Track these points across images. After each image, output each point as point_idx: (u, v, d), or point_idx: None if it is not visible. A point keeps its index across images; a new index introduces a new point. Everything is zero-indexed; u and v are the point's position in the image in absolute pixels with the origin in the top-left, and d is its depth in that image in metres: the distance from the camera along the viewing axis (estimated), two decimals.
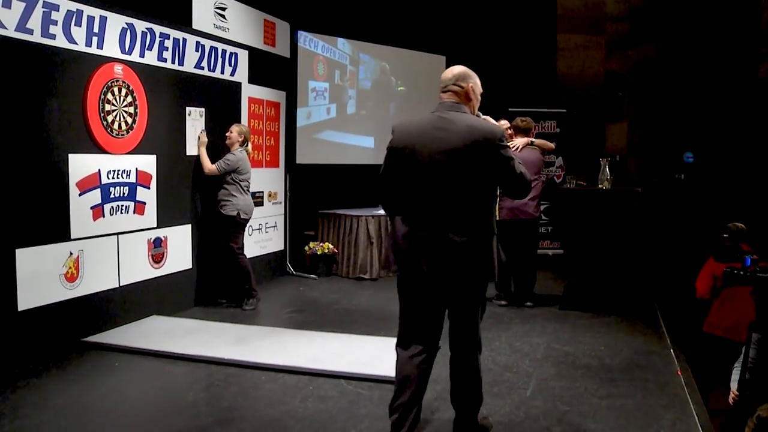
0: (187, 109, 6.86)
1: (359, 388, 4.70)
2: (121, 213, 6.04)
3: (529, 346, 5.81)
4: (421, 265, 3.46)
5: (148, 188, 6.36)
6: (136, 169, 6.19)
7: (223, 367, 5.12)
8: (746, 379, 4.37)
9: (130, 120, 6.06)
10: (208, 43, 7.09)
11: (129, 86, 6.04)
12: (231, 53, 7.51)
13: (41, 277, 5.20)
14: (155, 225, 6.48)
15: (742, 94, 10.68)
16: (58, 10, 5.19)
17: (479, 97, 3.70)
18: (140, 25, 6.12)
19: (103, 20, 5.68)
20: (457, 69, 3.68)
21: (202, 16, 7.05)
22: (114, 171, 5.93)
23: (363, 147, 10.06)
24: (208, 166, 6.82)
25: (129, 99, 6.04)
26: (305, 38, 9.07)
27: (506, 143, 3.49)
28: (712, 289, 6.12)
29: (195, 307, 7.05)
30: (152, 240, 6.45)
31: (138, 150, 6.19)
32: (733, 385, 4.58)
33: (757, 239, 8.00)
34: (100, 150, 5.76)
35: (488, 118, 3.77)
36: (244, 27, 7.78)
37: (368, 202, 9.55)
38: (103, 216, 5.83)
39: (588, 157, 10.04)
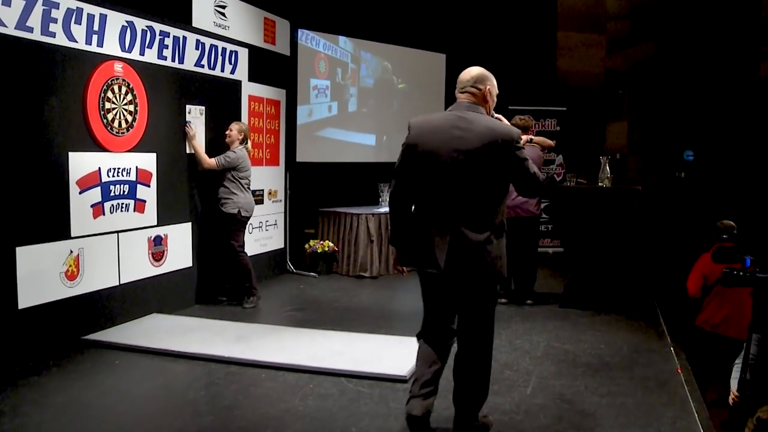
0: (188, 107, 6.85)
1: (359, 386, 4.70)
2: (122, 211, 6.04)
3: (530, 344, 5.81)
4: (439, 262, 3.54)
5: (149, 186, 6.36)
6: (137, 167, 6.19)
7: (223, 365, 5.12)
8: (746, 379, 4.37)
9: (130, 118, 6.06)
10: (208, 41, 7.09)
11: (129, 84, 6.03)
12: (231, 51, 7.50)
13: (41, 275, 5.20)
14: (155, 223, 6.48)
15: (743, 93, 10.68)
16: (58, 8, 5.18)
17: (495, 99, 3.77)
18: (140, 23, 6.11)
19: (103, 18, 5.67)
20: (475, 71, 3.74)
21: (202, 14, 7.04)
22: (114, 169, 5.92)
23: (364, 145, 10.06)
24: (207, 160, 6.81)
25: (129, 97, 6.04)
26: (307, 36, 9.07)
27: (521, 144, 3.60)
28: (702, 287, 6.20)
29: (195, 305, 7.05)
30: (152, 238, 6.45)
31: (138, 148, 6.19)
32: (733, 384, 4.57)
33: (758, 237, 8.01)
34: (101, 148, 5.76)
35: (501, 117, 3.84)
36: (244, 25, 7.78)
37: (368, 200, 9.57)
38: (104, 214, 5.83)
39: (588, 156, 10.04)
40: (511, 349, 5.62)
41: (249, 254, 7.24)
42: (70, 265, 5.48)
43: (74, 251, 5.52)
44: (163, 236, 6.58)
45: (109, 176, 5.86)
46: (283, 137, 8.81)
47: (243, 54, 7.75)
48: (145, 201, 6.31)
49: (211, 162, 6.79)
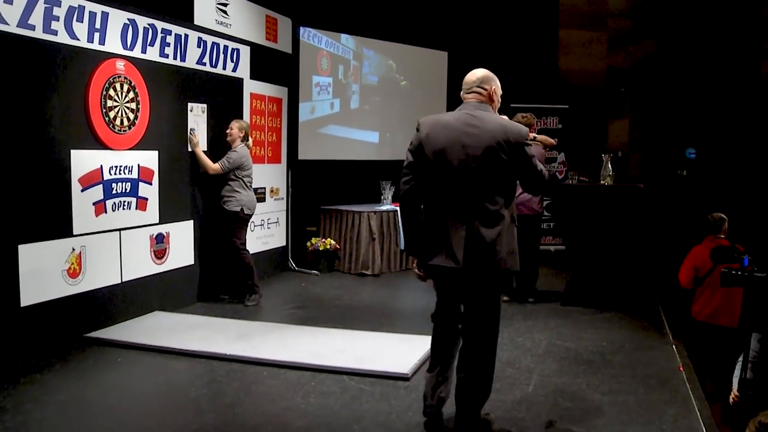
0: (189, 105, 6.85)
1: (361, 383, 4.70)
2: (123, 209, 6.04)
3: (531, 341, 5.81)
4: (457, 256, 3.64)
5: (150, 184, 6.36)
6: (138, 165, 6.19)
7: (225, 362, 5.12)
8: (747, 378, 4.38)
9: (132, 116, 6.06)
10: (210, 39, 7.09)
11: (131, 82, 6.03)
12: (233, 49, 7.50)
13: (44, 272, 5.21)
14: (157, 221, 6.48)
15: (745, 90, 10.66)
16: (60, 6, 5.19)
17: (499, 99, 3.92)
18: (142, 21, 6.12)
19: (105, 16, 5.67)
20: (480, 72, 3.87)
21: (204, 11, 7.04)
22: (116, 167, 5.93)
23: (366, 142, 10.05)
24: (211, 165, 6.82)
25: (131, 95, 6.04)
26: (309, 33, 9.06)
27: (530, 142, 3.73)
28: (693, 279, 6.38)
29: (197, 303, 7.05)
30: (154, 236, 6.46)
31: (140, 146, 6.19)
32: (735, 382, 4.58)
33: (759, 235, 8.00)
34: (102, 146, 5.76)
35: (504, 117, 3.92)
36: (245, 23, 7.78)
37: (370, 197, 9.56)
38: (105, 212, 5.83)
39: (590, 153, 10.04)
40: (513, 347, 5.62)
41: (251, 252, 7.24)
42: (72, 263, 5.49)
43: (76, 249, 5.53)
44: (165, 234, 6.59)
45: (111, 174, 5.87)
46: (285, 135, 8.81)
47: (245, 52, 7.75)
48: (147, 199, 6.31)
49: (215, 167, 6.80)
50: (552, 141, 7.35)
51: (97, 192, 5.73)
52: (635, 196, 7.32)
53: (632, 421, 4.13)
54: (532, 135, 7.01)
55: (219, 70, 7.29)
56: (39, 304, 5.16)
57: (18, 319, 4.98)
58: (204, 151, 6.92)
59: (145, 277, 6.35)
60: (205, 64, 7.04)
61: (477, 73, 3.86)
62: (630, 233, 7.26)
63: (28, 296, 5.06)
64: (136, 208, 6.20)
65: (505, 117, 3.94)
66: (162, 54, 6.42)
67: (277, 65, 8.50)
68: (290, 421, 4.08)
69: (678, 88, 11.23)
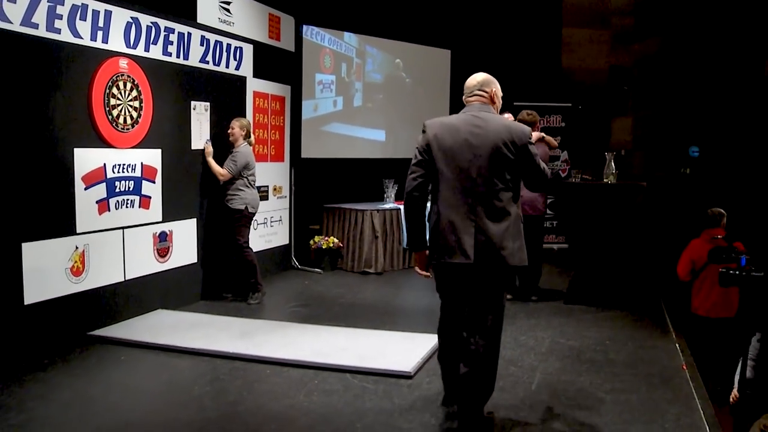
0: (192, 103, 6.86)
1: (364, 382, 4.71)
2: (127, 207, 6.05)
3: (534, 340, 5.81)
4: (468, 252, 3.75)
5: (154, 182, 6.37)
6: (142, 163, 6.20)
7: (228, 360, 5.13)
8: (747, 378, 4.37)
9: (135, 114, 6.07)
10: (212, 37, 7.09)
11: (134, 80, 6.04)
12: (236, 47, 7.50)
13: (47, 271, 5.22)
14: (160, 219, 6.49)
15: (748, 88, 10.64)
16: (63, 4, 5.19)
17: (500, 101, 4.10)
18: (145, 19, 6.12)
19: (108, 14, 5.68)
20: (480, 76, 4.05)
21: (207, 10, 7.05)
22: (119, 165, 5.94)
23: (369, 140, 10.05)
24: (220, 171, 6.84)
25: (134, 93, 6.05)
26: (312, 31, 9.06)
27: (533, 141, 3.90)
28: (691, 271, 6.57)
29: (200, 301, 7.06)
30: (157, 234, 6.47)
31: (143, 144, 6.20)
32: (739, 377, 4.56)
33: (762, 233, 7.99)
34: (106, 144, 5.77)
35: (510, 116, 4.07)
36: (248, 21, 7.78)
37: (373, 196, 9.56)
38: (109, 210, 5.84)
39: (593, 152, 10.02)
40: (516, 345, 5.62)
41: (254, 250, 7.25)
42: (76, 261, 5.50)
43: (80, 247, 5.54)
44: (168, 232, 6.60)
45: (114, 172, 5.88)
46: (288, 133, 8.81)
47: (248, 50, 7.75)
48: (150, 197, 6.32)
49: (224, 172, 6.83)
50: (554, 143, 7.38)
51: (101, 190, 5.74)
52: (638, 194, 7.31)
53: (635, 419, 4.13)
54: (540, 135, 7.03)
55: (222, 68, 7.30)
56: (42, 302, 5.17)
57: (22, 317, 4.99)
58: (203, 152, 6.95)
59: (148, 275, 6.36)
60: (208, 63, 7.05)
61: (477, 77, 4.03)
62: (633, 231, 7.26)
63: (32, 294, 5.07)
64: (140, 207, 6.21)
65: (510, 116, 4.02)
66: (165, 52, 6.42)
67: (280, 63, 8.50)
68: (293, 419, 4.09)
69: (681, 86, 11.21)
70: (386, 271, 8.92)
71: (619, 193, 7.13)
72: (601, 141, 11.21)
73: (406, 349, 5.32)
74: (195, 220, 7.00)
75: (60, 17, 5.19)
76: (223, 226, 7.09)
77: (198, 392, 4.52)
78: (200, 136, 6.95)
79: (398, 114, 10.30)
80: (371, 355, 5.18)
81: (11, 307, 4.92)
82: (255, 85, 7.95)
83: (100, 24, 5.61)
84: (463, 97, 4.05)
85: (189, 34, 6.72)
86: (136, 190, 6.15)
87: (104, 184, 5.77)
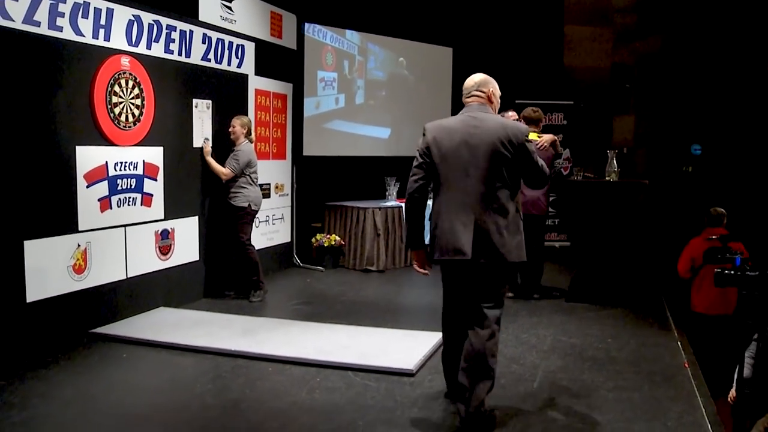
0: (194, 101, 6.86)
1: (366, 379, 4.71)
2: (129, 205, 6.05)
3: (536, 338, 5.81)
4: (465, 249, 3.84)
5: (155, 180, 6.37)
6: (143, 161, 6.20)
7: (230, 358, 5.13)
8: (744, 377, 4.37)
9: (137, 112, 6.07)
10: (214, 35, 7.09)
11: (136, 78, 6.04)
12: (238, 45, 7.50)
13: (49, 268, 5.22)
14: (162, 217, 6.49)
15: (751, 86, 10.62)
16: (65, 2, 5.19)
17: (499, 100, 4.19)
18: (147, 17, 6.12)
19: (110, 12, 5.68)
20: (478, 77, 4.15)
21: (209, 8, 7.04)
22: (121, 163, 5.94)
23: (371, 137, 10.05)
24: (222, 170, 6.85)
25: (136, 91, 6.05)
26: (314, 28, 9.06)
27: (530, 139, 3.99)
28: (690, 269, 6.75)
29: (202, 298, 7.07)
30: (159, 232, 6.47)
31: (145, 142, 6.20)
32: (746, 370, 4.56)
33: (764, 231, 7.98)
34: (108, 142, 5.77)
35: (514, 114, 4.17)
36: (250, 19, 7.78)
37: (375, 194, 9.56)
38: (111, 208, 5.84)
39: (595, 150, 10.00)
40: (518, 344, 5.62)
41: (255, 248, 7.25)
42: (78, 259, 5.50)
43: (81, 245, 5.54)
44: (170, 230, 6.60)
45: (116, 170, 5.88)
46: (290, 131, 8.81)
47: (250, 48, 7.75)
48: (152, 195, 6.32)
49: (227, 171, 6.83)
50: (560, 149, 7.40)
51: (103, 188, 5.74)
52: (640, 192, 7.31)
53: (637, 417, 4.13)
54: (552, 138, 7.04)
55: (224, 66, 7.30)
56: (45, 299, 5.18)
57: (24, 315, 5.00)
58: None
59: (150, 273, 6.36)
60: (210, 60, 7.05)
61: (475, 78, 4.13)
62: (635, 230, 7.25)
63: (34, 292, 5.08)
64: (141, 204, 6.21)
65: (514, 114, 4.06)
66: (167, 50, 6.42)
67: (281, 61, 8.50)
68: (295, 416, 4.09)
69: (683, 84, 11.19)
70: (388, 269, 8.92)
71: (621, 192, 7.12)
72: (603, 139, 11.20)
73: (408, 347, 5.32)
74: (197, 217, 7.00)
75: (62, 15, 5.19)
76: (226, 224, 7.10)
77: (200, 390, 4.52)
78: (202, 134, 6.95)
79: (400, 112, 10.29)
80: (373, 353, 5.18)
81: (13, 305, 4.92)
82: (257, 83, 7.95)
83: (102, 22, 5.61)
84: (462, 97, 4.15)
85: (191, 31, 6.72)
86: (138, 188, 6.16)
87: (106, 182, 5.77)
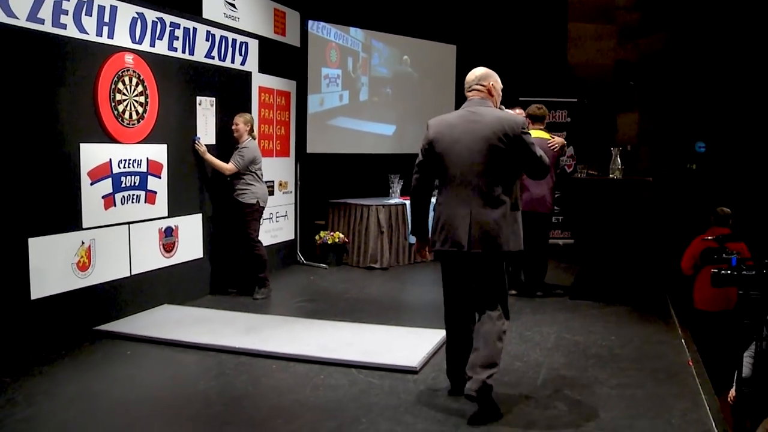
0: (198, 98, 6.86)
1: (370, 377, 4.71)
2: (133, 202, 6.06)
3: (540, 335, 5.81)
4: (462, 241, 4.00)
5: (159, 177, 6.38)
6: (147, 158, 6.21)
7: (233, 355, 5.14)
8: (744, 377, 4.37)
9: (140, 109, 6.07)
10: (218, 33, 7.09)
11: (140, 75, 6.04)
12: (241, 42, 7.50)
13: (53, 266, 5.23)
14: (166, 214, 6.50)
15: (755, 83, 10.60)
16: (68, 0, 5.19)
17: (500, 93, 4.30)
18: (150, 15, 6.12)
19: (114, 10, 5.68)
20: (479, 71, 4.25)
21: (212, 5, 7.04)
22: (125, 160, 5.94)
23: (375, 134, 10.04)
24: (226, 166, 6.84)
25: (140, 88, 6.05)
26: (318, 25, 9.06)
27: (527, 130, 4.08)
28: (693, 266, 6.92)
29: (206, 296, 7.07)
30: (163, 229, 6.48)
31: (149, 139, 6.20)
32: (746, 367, 4.55)
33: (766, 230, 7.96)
34: (111, 139, 5.78)
35: (520, 111, 4.28)
36: (254, 16, 7.78)
37: (379, 191, 9.56)
38: (115, 205, 5.85)
39: (599, 147, 10.00)
40: (522, 341, 5.62)
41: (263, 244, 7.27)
42: (82, 256, 5.51)
43: (86, 242, 5.55)
44: (173, 227, 6.61)
45: (120, 167, 5.88)
46: (294, 128, 8.81)
47: (253, 45, 7.75)
48: (156, 192, 6.33)
49: (230, 167, 6.82)
50: (567, 152, 7.40)
51: (106, 185, 5.75)
52: (644, 189, 7.30)
53: (640, 415, 4.13)
54: (562, 141, 7.04)
55: (227, 63, 7.30)
56: (49, 297, 5.19)
57: (28, 312, 5.01)
58: (209, 147, 6.94)
59: (154, 270, 6.37)
60: (213, 58, 7.05)
61: (476, 72, 4.24)
62: (639, 227, 7.24)
63: (38, 289, 5.09)
64: (145, 202, 6.22)
65: (520, 110, 4.16)
66: (170, 48, 6.43)
67: (285, 59, 8.50)
68: (299, 413, 4.09)
69: (687, 81, 11.18)
70: (392, 267, 8.93)
71: (624, 189, 7.11)
72: (606, 136, 11.19)
73: (411, 344, 5.32)
74: (200, 215, 7.00)
75: (66, 12, 5.19)
76: (231, 221, 7.11)
77: (204, 387, 4.53)
78: (206, 131, 6.96)
79: (404, 108, 10.29)
80: (377, 350, 5.18)
81: (18, 302, 4.93)
82: (260, 81, 7.95)
83: (106, 19, 5.61)
84: (465, 91, 4.26)
85: (194, 29, 6.72)
86: (142, 186, 6.16)
87: (110, 179, 5.78)
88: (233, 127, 6.96)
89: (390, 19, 9.98)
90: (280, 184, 8.51)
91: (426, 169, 4.19)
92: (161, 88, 6.31)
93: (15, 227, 4.91)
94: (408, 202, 8.95)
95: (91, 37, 5.50)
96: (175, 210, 6.59)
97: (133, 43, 5.95)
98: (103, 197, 5.71)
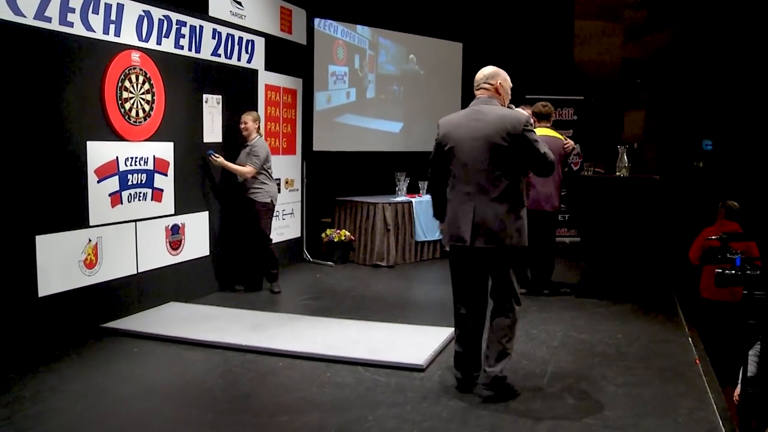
0: (204, 96, 6.87)
1: (376, 374, 4.71)
2: (139, 200, 6.07)
3: (546, 333, 5.80)
4: (464, 236, 4.15)
5: (166, 175, 6.39)
6: (154, 156, 6.22)
7: (240, 353, 5.15)
8: (749, 376, 4.35)
9: (147, 107, 6.08)
10: (224, 31, 7.09)
11: (146, 73, 6.05)
12: (247, 40, 7.51)
13: (61, 263, 5.25)
14: (173, 212, 6.51)
15: (763, 81, 10.56)
16: None
17: (509, 91, 4.41)
18: (157, 13, 6.13)
19: (120, 8, 5.69)
20: (488, 70, 4.37)
21: (219, 3, 7.05)
22: (132, 158, 5.96)
23: (381, 131, 10.04)
24: (245, 170, 6.86)
25: (146, 86, 6.06)
26: (325, 22, 9.06)
27: (531, 128, 4.16)
28: (701, 256, 6.90)
29: (212, 293, 7.09)
30: (170, 227, 6.49)
31: (155, 137, 6.22)
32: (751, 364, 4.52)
33: None
34: (118, 137, 5.79)
35: (527, 108, 4.42)
36: (260, 14, 7.78)
37: (385, 189, 9.56)
38: (121, 203, 5.86)
39: (606, 145, 9.98)
40: (528, 339, 5.61)
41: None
42: (89, 254, 5.53)
43: (93, 240, 5.56)
44: (180, 225, 6.62)
45: (126, 165, 5.90)
46: (300, 126, 8.82)
47: (259, 43, 7.75)
48: (162, 190, 6.34)
49: (250, 170, 6.86)
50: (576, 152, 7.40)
51: (113, 183, 5.76)
52: (651, 188, 7.28)
53: (647, 413, 4.12)
54: (572, 145, 7.05)
55: (234, 61, 7.31)
56: (56, 294, 5.21)
57: (36, 310, 5.03)
58: (216, 145, 6.95)
59: (160, 268, 6.39)
60: (219, 56, 7.06)
61: (484, 71, 4.36)
62: (646, 225, 7.22)
63: (46, 286, 5.11)
64: (152, 200, 6.23)
65: (528, 109, 4.22)
66: (177, 45, 6.43)
67: (291, 56, 8.50)
68: (305, 411, 4.10)
69: (695, 78, 11.14)
70: (398, 264, 8.93)
71: (631, 187, 7.10)
72: (613, 134, 11.16)
73: (417, 342, 5.32)
74: (207, 212, 7.01)
75: (72, 11, 5.20)
76: (238, 219, 7.13)
77: (210, 384, 4.54)
78: (212, 129, 6.97)
79: (411, 106, 10.28)
80: (383, 348, 5.18)
81: (25, 300, 4.95)
82: (267, 78, 7.95)
83: (113, 17, 5.63)
84: (474, 89, 4.37)
85: (201, 27, 6.72)
86: (149, 183, 6.18)
87: (117, 177, 5.80)
88: (242, 126, 6.97)
89: (396, 17, 9.97)
90: (287, 182, 8.52)
91: (436, 166, 4.35)
92: (168, 86, 6.32)
93: (22, 225, 4.93)
94: (413, 200, 9.02)
95: (98, 35, 5.51)
96: (181, 208, 6.61)
97: (139, 41, 5.96)
98: (109, 195, 5.73)
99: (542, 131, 6.76)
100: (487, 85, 4.31)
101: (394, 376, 4.68)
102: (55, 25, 5.08)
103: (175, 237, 6.56)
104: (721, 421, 4.00)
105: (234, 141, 7.08)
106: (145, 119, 6.07)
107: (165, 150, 6.36)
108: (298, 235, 8.94)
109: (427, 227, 9.18)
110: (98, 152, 5.60)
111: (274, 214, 8.03)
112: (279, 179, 8.22)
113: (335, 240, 8.83)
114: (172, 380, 4.66)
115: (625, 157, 7.13)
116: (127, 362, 4.94)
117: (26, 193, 4.95)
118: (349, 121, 9.58)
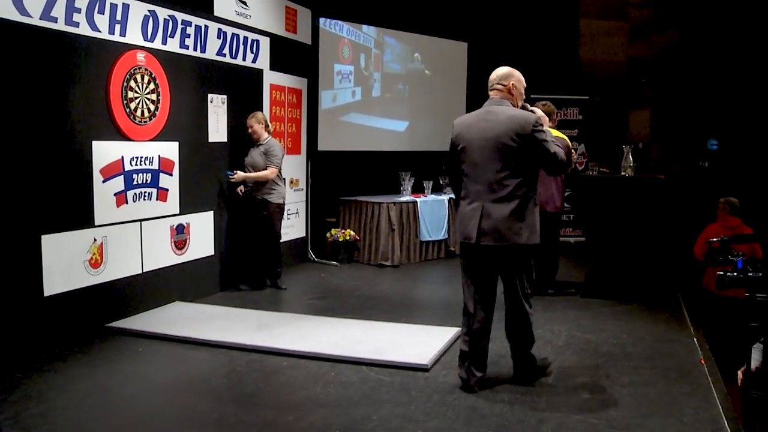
0: (209, 96, 6.88)
1: (381, 374, 4.71)
2: (144, 200, 6.08)
3: (551, 333, 5.79)
4: (471, 234, 4.24)
5: (171, 175, 6.40)
6: (159, 155, 6.23)
7: (245, 353, 5.15)
8: (752, 371, 4.33)
9: (152, 107, 6.09)
10: (229, 30, 7.10)
11: (151, 73, 6.06)
12: (253, 40, 7.51)
13: (66, 263, 5.26)
14: (178, 212, 6.52)
15: None
16: None
17: (522, 92, 4.48)
18: (162, 13, 6.14)
19: (126, 8, 5.70)
20: (501, 70, 4.46)
21: (224, 3, 7.05)
22: (137, 158, 5.96)
23: (386, 130, 10.03)
24: (268, 174, 6.92)
25: (151, 86, 6.07)
26: (330, 22, 9.06)
27: (540, 128, 4.22)
28: (706, 253, 6.68)
29: (217, 293, 7.09)
30: (175, 226, 6.50)
31: (160, 137, 6.22)
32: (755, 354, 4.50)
33: None
34: (123, 137, 5.80)
35: (535, 109, 4.44)
36: (265, 14, 7.78)
37: (390, 188, 9.55)
38: (127, 203, 5.87)
39: (611, 144, 9.97)
40: None
41: None
42: (94, 253, 5.54)
43: (98, 239, 5.57)
44: (185, 225, 6.63)
45: (132, 165, 5.91)
46: (305, 126, 8.82)
47: (264, 43, 7.76)
48: (167, 189, 6.35)
49: (272, 172, 6.93)
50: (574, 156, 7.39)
51: (118, 183, 5.77)
52: (656, 187, 7.27)
53: (652, 413, 4.11)
54: (570, 147, 7.04)
55: (239, 61, 7.31)
56: (61, 293, 5.22)
57: (41, 309, 5.04)
58: (221, 145, 6.96)
59: (165, 267, 6.40)
60: (224, 56, 7.06)
61: (498, 72, 4.45)
62: (651, 225, 7.22)
63: (51, 286, 5.12)
64: (157, 199, 6.24)
65: (536, 110, 4.42)
66: (182, 45, 6.44)
67: (296, 56, 8.50)
68: (310, 410, 4.10)
69: (700, 78, 11.12)
70: (403, 264, 8.92)
71: (636, 187, 7.09)
72: (618, 134, 11.15)
73: (422, 342, 5.32)
74: (212, 212, 7.02)
75: (78, 11, 5.21)
76: (243, 219, 7.16)
77: (215, 384, 4.55)
78: (217, 129, 6.97)
79: (416, 105, 10.27)
80: (388, 348, 5.18)
81: (31, 299, 4.96)
82: (272, 78, 7.96)
83: (118, 17, 5.64)
84: (488, 89, 4.45)
85: (206, 27, 6.73)
86: (154, 183, 6.18)
87: (122, 176, 5.81)
88: (249, 130, 6.98)
89: (401, 17, 9.97)
90: (292, 182, 8.52)
91: (451, 164, 4.49)
92: (173, 86, 6.33)
93: (28, 224, 4.94)
94: (417, 199, 9.01)
95: (104, 35, 5.52)
96: (186, 207, 6.61)
97: (145, 40, 5.97)
98: (115, 194, 5.74)
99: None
100: (499, 86, 4.39)
101: (398, 375, 4.68)
102: (61, 25, 5.09)
103: (180, 236, 6.57)
104: (726, 422, 3.99)
105: (239, 141, 7.09)
106: (150, 119, 6.08)
107: (170, 150, 6.37)
108: (303, 234, 8.95)
109: (431, 227, 9.18)
110: (103, 152, 5.61)
111: None
112: (284, 179, 8.23)
113: (340, 240, 8.84)
114: (177, 379, 4.67)
115: (630, 156, 7.12)
116: (132, 361, 4.95)
117: (32, 193, 4.96)
118: (355, 119, 9.58)
